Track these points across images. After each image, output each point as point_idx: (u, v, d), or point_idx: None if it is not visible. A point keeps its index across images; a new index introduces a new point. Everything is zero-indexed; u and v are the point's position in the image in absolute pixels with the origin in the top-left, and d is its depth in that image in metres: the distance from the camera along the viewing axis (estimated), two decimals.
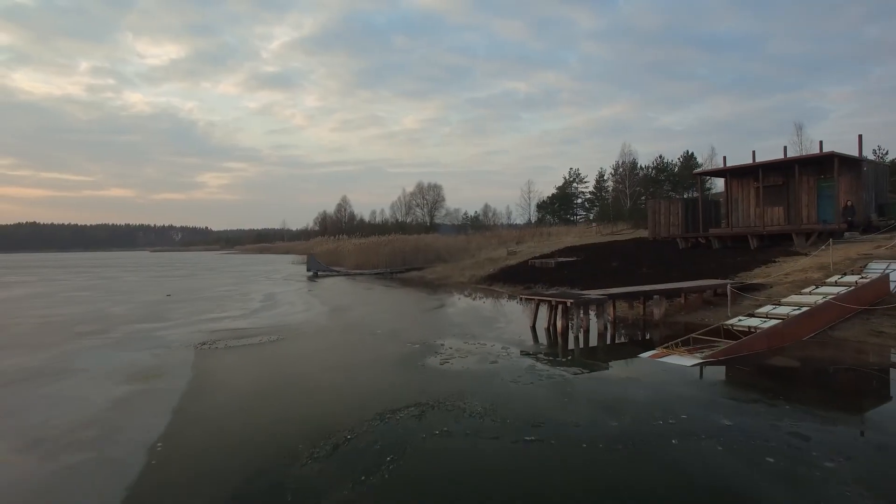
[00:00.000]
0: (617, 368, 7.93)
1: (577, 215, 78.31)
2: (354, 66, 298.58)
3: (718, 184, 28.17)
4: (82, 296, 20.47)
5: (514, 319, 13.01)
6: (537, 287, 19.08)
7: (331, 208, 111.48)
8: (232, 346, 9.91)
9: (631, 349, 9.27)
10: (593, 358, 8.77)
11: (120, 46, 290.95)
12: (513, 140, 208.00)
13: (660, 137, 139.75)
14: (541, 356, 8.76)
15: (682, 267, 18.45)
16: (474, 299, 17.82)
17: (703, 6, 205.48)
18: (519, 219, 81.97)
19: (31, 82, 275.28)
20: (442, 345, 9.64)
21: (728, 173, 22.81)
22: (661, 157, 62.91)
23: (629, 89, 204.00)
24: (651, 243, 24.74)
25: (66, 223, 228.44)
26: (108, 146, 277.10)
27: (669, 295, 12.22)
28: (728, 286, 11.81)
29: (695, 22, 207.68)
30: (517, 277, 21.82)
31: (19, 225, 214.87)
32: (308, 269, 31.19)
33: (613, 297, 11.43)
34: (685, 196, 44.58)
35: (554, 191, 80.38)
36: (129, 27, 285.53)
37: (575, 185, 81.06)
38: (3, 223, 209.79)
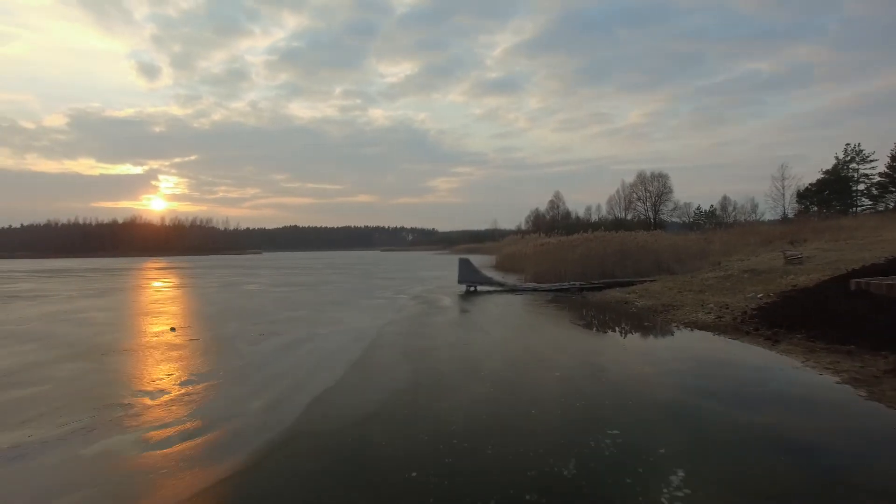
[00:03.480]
0: None
1: (858, 205, 58.55)
2: (575, 64, 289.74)
3: None
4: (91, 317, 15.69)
5: None
6: None
7: (544, 206, 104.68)
8: None
9: None
10: None
11: (366, 70, 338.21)
12: (753, 127, 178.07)
13: None
14: None
15: None
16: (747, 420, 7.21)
17: None
18: (768, 213, 64.89)
19: (301, 109, 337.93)
20: None
21: None
22: None
23: None
24: None
25: (317, 226, 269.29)
26: (356, 158, 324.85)
27: None
28: None
29: None
30: (833, 321, 10.11)
31: (285, 228, 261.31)
32: (459, 281, 21.83)
33: None
34: None
35: (820, 176, 60.49)
36: (373, 52, 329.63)
37: (853, 165, 60.01)
38: (274, 227, 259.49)
